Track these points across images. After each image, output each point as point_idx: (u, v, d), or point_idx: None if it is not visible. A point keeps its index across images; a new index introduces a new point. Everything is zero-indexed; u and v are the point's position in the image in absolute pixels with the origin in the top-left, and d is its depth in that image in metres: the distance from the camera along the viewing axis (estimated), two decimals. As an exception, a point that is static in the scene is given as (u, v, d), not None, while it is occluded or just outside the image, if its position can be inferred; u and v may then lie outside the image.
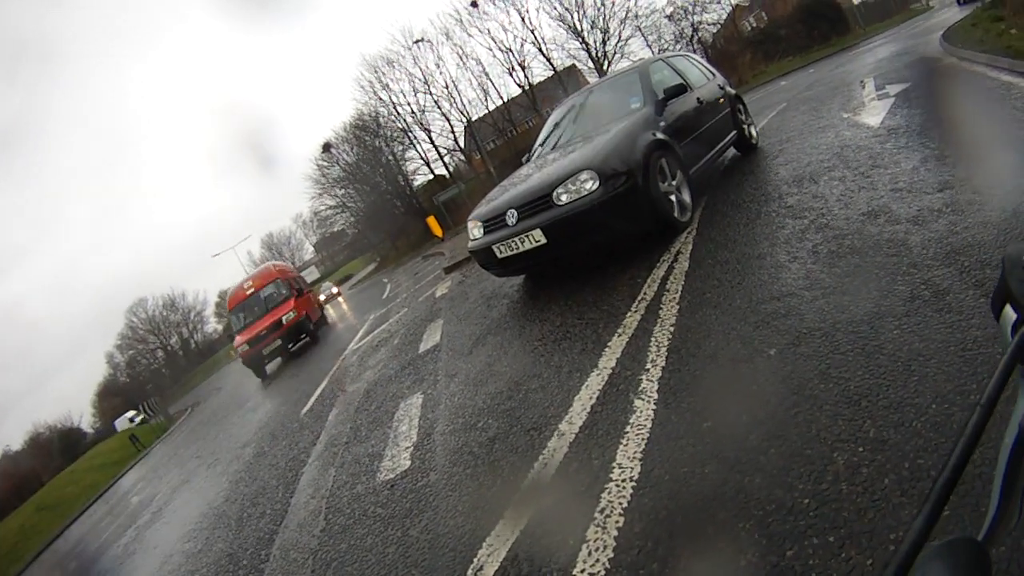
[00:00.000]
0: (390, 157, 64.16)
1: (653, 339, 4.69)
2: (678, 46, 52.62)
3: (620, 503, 3.01)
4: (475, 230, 8.22)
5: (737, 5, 57.32)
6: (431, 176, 64.81)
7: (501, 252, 7.57)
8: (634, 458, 3.32)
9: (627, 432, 3.61)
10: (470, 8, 54.76)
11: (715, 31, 56.65)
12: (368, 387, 8.61)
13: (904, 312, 3.38)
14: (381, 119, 61.88)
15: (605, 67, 53.01)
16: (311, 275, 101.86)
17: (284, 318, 22.02)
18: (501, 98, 58.91)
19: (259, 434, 10.82)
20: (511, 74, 56.70)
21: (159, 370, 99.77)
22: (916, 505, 2.18)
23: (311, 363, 16.69)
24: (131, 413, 65.42)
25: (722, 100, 10.22)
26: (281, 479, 7.00)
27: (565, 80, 55.31)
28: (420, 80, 59.02)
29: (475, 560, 3.23)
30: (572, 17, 53.70)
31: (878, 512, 2.22)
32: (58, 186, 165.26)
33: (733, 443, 2.98)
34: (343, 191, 69.67)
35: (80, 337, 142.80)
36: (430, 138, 61.24)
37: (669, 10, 54.07)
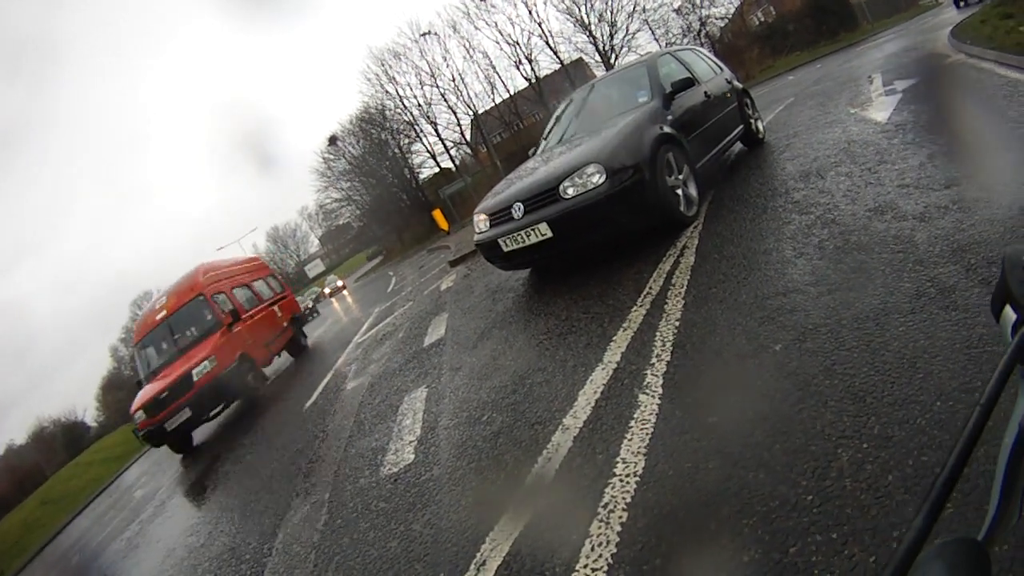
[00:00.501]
0: (396, 150, 64.32)
1: (658, 334, 4.69)
2: (685, 40, 52.71)
3: (624, 498, 3.01)
4: (481, 223, 8.21)
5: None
6: (437, 169, 65.01)
7: (507, 245, 7.57)
8: (638, 453, 3.31)
9: (631, 427, 3.61)
10: (477, 1, 54.88)
11: (723, 25, 56.70)
12: (372, 381, 8.61)
13: (910, 309, 3.37)
14: (387, 112, 62.13)
15: (612, 61, 53.01)
16: (316, 268, 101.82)
17: (195, 372, 13.58)
18: (508, 91, 59.09)
19: (263, 427, 10.86)
20: (518, 67, 56.84)
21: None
22: (919, 503, 2.18)
23: (314, 357, 16.70)
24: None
25: (729, 94, 10.20)
26: (284, 472, 7.00)
27: (572, 73, 55.37)
28: (427, 73, 59.25)
29: (478, 555, 3.22)
30: (579, 10, 53.84)
31: (881, 509, 2.21)
32: (64, 182, 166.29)
33: (737, 439, 2.98)
34: (349, 184, 69.91)
35: (84, 331, 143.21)
36: (436, 131, 61.45)
37: (677, 4, 54.15)
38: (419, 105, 60.45)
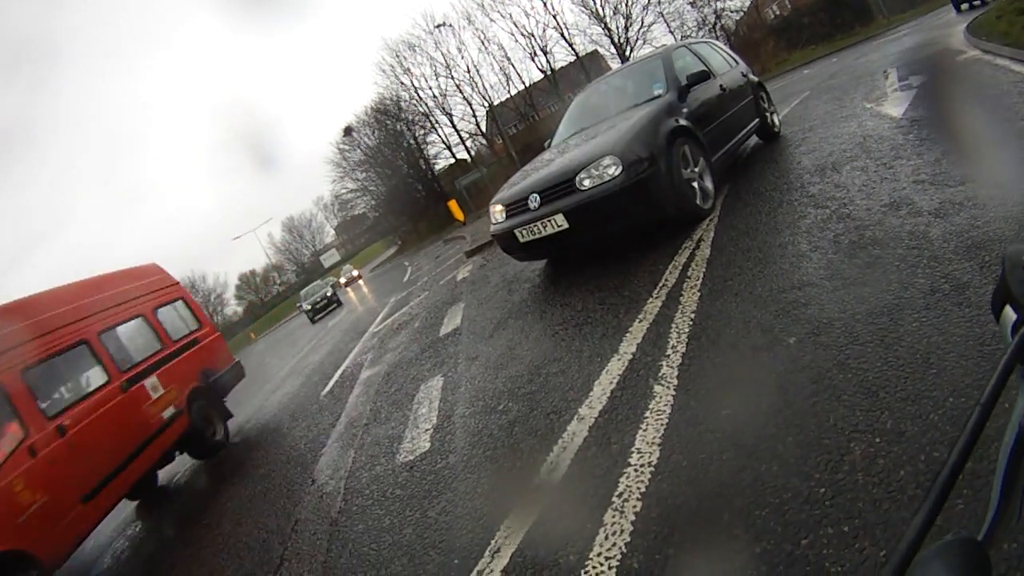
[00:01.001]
0: (411, 141, 64.21)
1: (674, 325, 4.71)
2: (701, 33, 52.41)
3: (638, 488, 3.04)
4: (497, 214, 8.23)
5: (761, -8, 56.99)
6: (453, 160, 64.85)
7: (523, 236, 7.58)
8: (653, 443, 3.34)
9: (646, 417, 3.64)
10: (491, -7, 54.78)
11: (738, 18, 56.40)
12: (388, 369, 8.65)
13: (924, 305, 3.38)
14: (402, 103, 62.06)
15: (627, 53, 52.81)
16: (332, 258, 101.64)
17: None
18: (523, 83, 58.91)
19: (279, 415, 10.90)
20: (533, 59, 56.71)
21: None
22: (918, 502, 2.21)
23: (332, 342, 16.74)
24: None
25: (745, 88, 10.17)
26: (300, 460, 7.07)
27: (587, 65, 55.17)
28: (442, 64, 59.19)
29: (493, 542, 3.26)
30: (595, 2, 53.64)
31: (893, 503, 2.23)
32: (72, 178, 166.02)
33: (751, 431, 3.00)
34: (364, 174, 69.83)
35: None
36: (452, 122, 61.31)
37: (692, -3, 53.81)
38: (434, 96, 60.38)
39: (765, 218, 6.32)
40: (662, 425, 3.49)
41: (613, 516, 2.92)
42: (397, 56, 60.39)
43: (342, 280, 58.56)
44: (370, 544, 4.10)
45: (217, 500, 7.73)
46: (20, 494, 6.27)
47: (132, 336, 10.08)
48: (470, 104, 60.24)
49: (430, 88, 60.72)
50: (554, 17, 58.89)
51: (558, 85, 55.36)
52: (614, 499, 3.03)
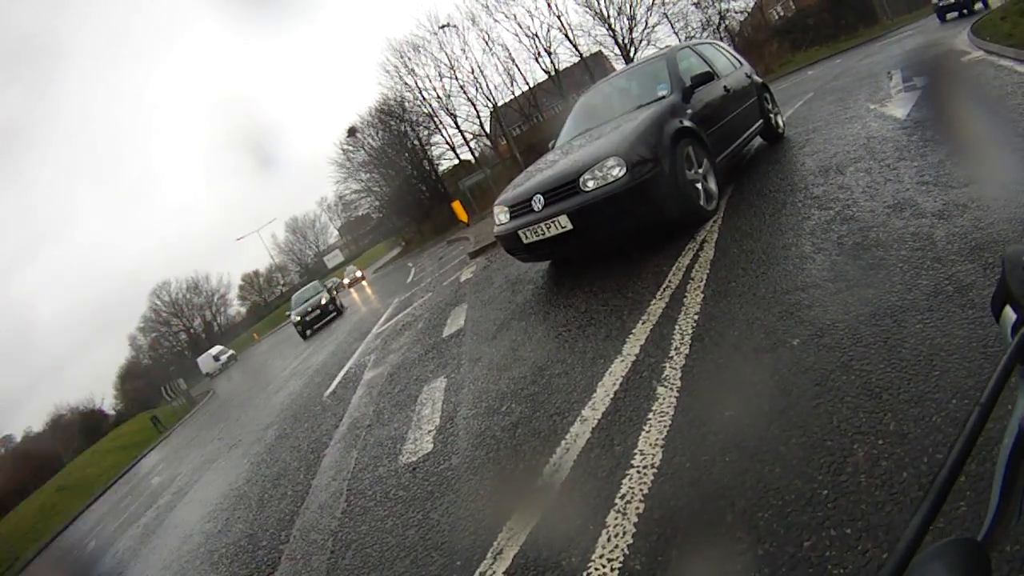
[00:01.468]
0: (415, 142, 64.27)
1: (677, 327, 4.71)
2: (705, 34, 52.39)
3: (641, 489, 3.04)
4: (501, 215, 8.24)
5: (765, -7, 57.00)
6: (456, 161, 64.94)
7: (527, 237, 7.59)
8: (656, 445, 3.34)
9: (649, 419, 3.64)
10: (495, -6, 54.84)
11: (742, 19, 56.39)
12: (391, 370, 8.65)
13: (927, 307, 3.38)
14: (406, 103, 62.07)
15: (632, 54, 52.83)
16: (335, 259, 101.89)
17: None
18: (527, 84, 58.94)
19: (281, 416, 10.91)
20: (537, 60, 56.71)
21: (182, 352, 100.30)
22: (916, 502, 2.21)
23: (335, 343, 16.76)
24: (216, 350, 64.71)
25: (749, 89, 10.17)
26: (303, 461, 7.07)
27: (592, 66, 55.17)
28: (446, 65, 59.31)
29: (495, 543, 3.26)
30: (599, 3, 53.58)
31: (896, 505, 2.23)
32: (80, 175, 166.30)
33: (754, 432, 3.00)
34: (368, 175, 69.89)
35: (102, 320, 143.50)
36: (456, 123, 61.37)
37: (696, -2, 53.81)
38: (438, 97, 60.42)
39: (769, 219, 6.32)
40: (665, 427, 3.49)
41: (616, 518, 2.92)
42: (401, 57, 60.51)
43: (345, 281, 58.62)
44: (373, 545, 4.10)
45: (220, 500, 7.76)
46: None
47: None
48: (474, 105, 60.33)
49: (434, 89, 60.80)
50: (558, 18, 58.92)
51: (562, 86, 55.36)
52: (616, 501, 3.03)
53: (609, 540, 2.80)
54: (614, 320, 5.56)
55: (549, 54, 56.31)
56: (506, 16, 60.09)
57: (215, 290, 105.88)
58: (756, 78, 10.94)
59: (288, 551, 4.90)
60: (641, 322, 5.14)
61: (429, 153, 65.74)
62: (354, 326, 18.97)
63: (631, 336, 4.96)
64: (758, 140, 10.83)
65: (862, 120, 9.17)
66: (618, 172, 6.77)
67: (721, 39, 47.79)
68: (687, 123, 7.56)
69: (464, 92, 59.73)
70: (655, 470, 3.14)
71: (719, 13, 54.09)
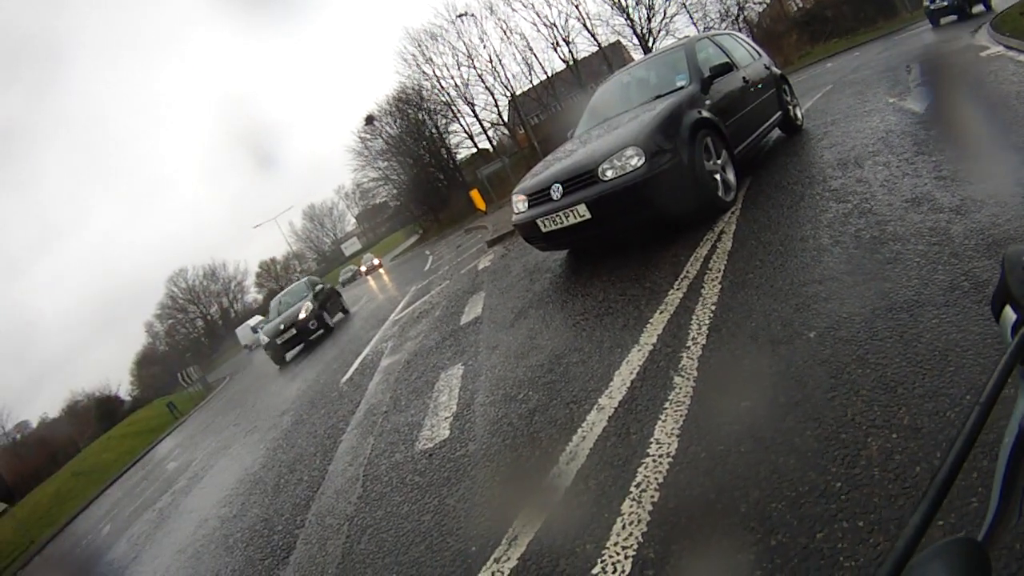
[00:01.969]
0: (433, 130, 64.29)
1: (694, 317, 4.72)
2: (723, 24, 52.18)
3: (656, 478, 3.06)
4: (520, 204, 8.26)
5: (784, -16, 56.67)
6: (474, 150, 64.89)
7: (545, 226, 7.61)
8: (672, 434, 3.36)
9: (666, 408, 3.66)
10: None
11: (761, 10, 56.06)
12: (409, 357, 8.68)
13: (944, 302, 3.38)
14: (424, 92, 62.11)
15: (650, 44, 52.63)
16: (352, 247, 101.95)
17: None
18: (545, 73, 58.80)
19: (298, 402, 10.98)
20: (555, 49, 56.59)
21: (198, 339, 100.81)
22: (916, 502, 2.23)
23: (352, 331, 16.79)
24: (256, 320, 60.97)
25: (767, 80, 10.13)
26: (319, 447, 7.11)
27: (610, 56, 55.01)
28: (464, 54, 59.41)
29: (510, 530, 3.28)
30: (617, -8, 53.33)
31: (908, 500, 2.25)
32: (95, 165, 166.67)
33: (770, 423, 3.02)
34: (386, 163, 69.91)
35: (119, 308, 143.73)
36: (474, 112, 61.41)
37: (715, -12, 53.56)
38: (456, 86, 60.47)
39: (787, 211, 6.31)
40: (681, 416, 3.51)
41: (631, 506, 2.94)
42: (419, 46, 60.66)
43: (363, 268, 58.52)
44: (388, 530, 4.13)
45: (235, 485, 7.81)
46: None
47: None
48: (492, 94, 60.29)
49: (452, 78, 61.02)
50: (576, 7, 58.38)
51: (580, 75, 55.25)
52: (632, 489, 3.05)
53: (624, 528, 2.82)
54: (631, 309, 5.58)
55: (567, 43, 56.25)
56: (524, 5, 59.82)
57: (232, 277, 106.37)
58: (775, 69, 10.88)
59: (303, 535, 4.94)
60: (659, 312, 5.16)
61: (447, 141, 65.84)
62: (371, 313, 18.97)
63: (648, 325, 4.97)
64: (777, 132, 10.80)
65: (880, 114, 9.13)
66: (637, 162, 6.77)
67: (740, 30, 47.61)
68: (706, 114, 7.55)
69: (482, 81, 59.77)
70: (670, 459, 3.16)
71: (738, 3, 53.85)
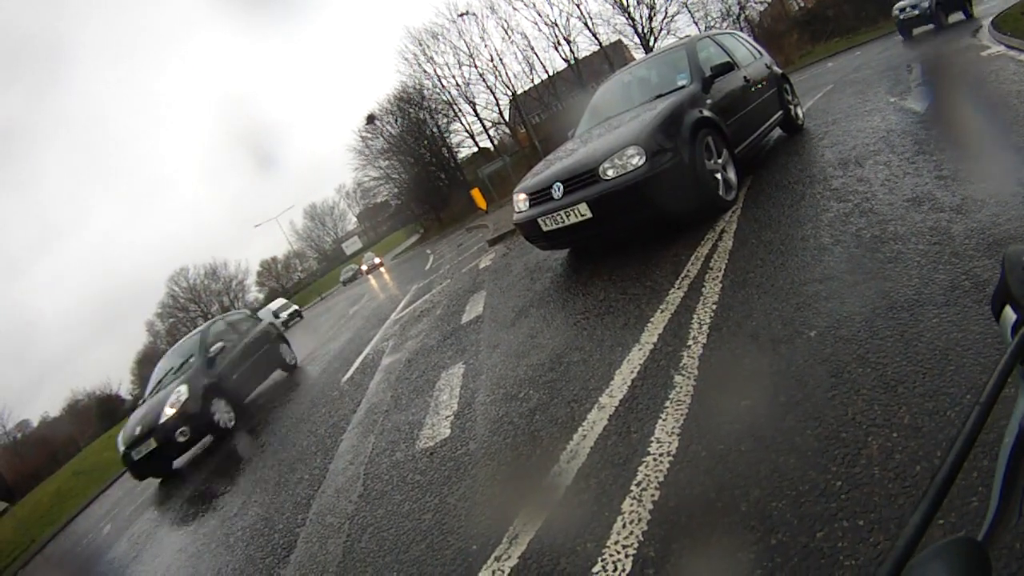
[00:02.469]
0: (434, 129, 64.27)
1: (695, 316, 4.73)
2: (725, 24, 52.15)
3: (656, 477, 3.06)
4: (521, 203, 8.27)
5: (785, -17, 56.62)
6: (475, 149, 64.91)
7: (547, 225, 7.62)
8: (672, 433, 3.37)
9: (667, 407, 3.66)
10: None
11: (762, 9, 56.01)
12: (410, 356, 8.68)
13: (944, 301, 3.39)
14: (425, 91, 62.07)
15: (651, 43, 52.62)
16: (353, 246, 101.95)
17: None
18: (546, 72, 58.78)
19: (299, 401, 10.98)
20: (556, 48, 56.59)
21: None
22: (915, 501, 2.22)
23: (353, 329, 16.79)
24: (277, 304, 56.88)
25: (768, 80, 10.14)
26: (320, 445, 7.11)
27: (611, 55, 55.01)
28: (465, 53, 59.39)
29: (511, 528, 3.29)
30: (618, -9, 53.32)
31: (908, 499, 2.25)
32: (94, 166, 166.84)
33: (770, 422, 3.02)
34: (387, 162, 69.86)
35: (120, 307, 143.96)
36: (475, 111, 61.37)
37: (716, -13, 53.53)
38: (457, 85, 60.44)
39: (788, 211, 6.32)
40: (682, 415, 3.51)
41: (631, 504, 2.95)
42: (420, 45, 60.57)
43: (364, 267, 58.53)
44: (389, 529, 4.14)
45: (235, 484, 7.81)
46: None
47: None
48: (493, 93, 60.26)
49: (453, 77, 60.97)
50: (577, 6, 58.31)
51: (581, 75, 55.24)
52: (632, 488, 3.06)
53: (624, 527, 2.83)
54: (632, 308, 5.59)
55: (568, 43, 56.23)
56: (525, 4, 59.80)
57: (233, 276, 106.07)
58: (776, 69, 10.89)
59: (304, 534, 4.94)
60: (659, 310, 5.16)
61: (448, 141, 65.82)
62: (373, 312, 18.93)
63: (649, 324, 4.98)
64: (778, 131, 10.80)
65: (881, 113, 9.14)
66: (638, 161, 6.78)
67: (741, 29, 47.54)
68: (707, 113, 7.56)
69: (483, 80, 59.75)
70: (671, 458, 3.16)
71: (739, 3, 53.80)
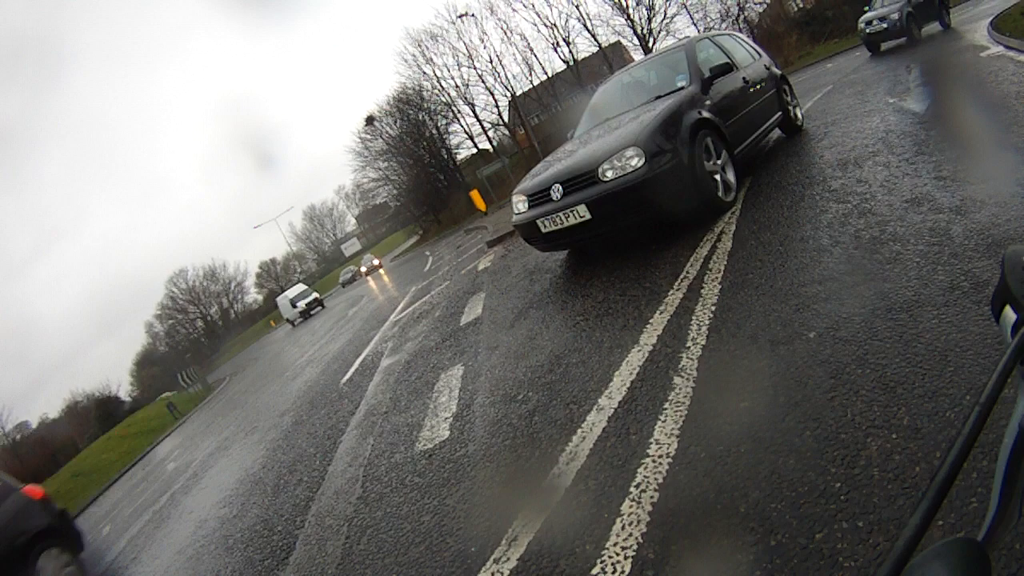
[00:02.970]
0: (433, 130, 64.20)
1: (694, 317, 4.73)
2: (724, 24, 52.13)
3: (656, 479, 3.06)
4: (520, 204, 8.26)
5: (784, -16, 56.58)
6: (475, 150, 64.82)
7: (545, 227, 7.62)
8: (671, 435, 3.37)
9: (666, 409, 3.66)
10: (515, -18, 54.70)
11: (761, 10, 55.94)
12: (409, 358, 8.68)
13: (943, 302, 3.39)
14: (425, 93, 61.99)
15: (650, 44, 52.59)
16: (353, 247, 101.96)
17: None
18: (546, 73, 58.74)
19: (298, 403, 10.96)
20: (556, 49, 56.47)
21: (198, 339, 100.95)
22: (915, 502, 2.22)
23: (352, 331, 16.79)
24: (294, 292, 53.25)
25: (768, 81, 10.12)
26: (319, 447, 7.12)
27: (610, 56, 54.96)
28: (464, 55, 59.25)
29: (510, 530, 3.29)
30: (617, -7, 53.29)
31: (908, 500, 2.25)
32: (94, 167, 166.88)
33: (769, 424, 3.02)
34: (386, 164, 69.75)
35: (118, 309, 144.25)
36: (474, 112, 61.27)
37: (715, -12, 53.51)
38: (456, 86, 60.33)
39: (787, 212, 6.32)
40: (681, 417, 3.51)
41: (630, 506, 2.94)
42: (419, 46, 60.50)
43: (363, 269, 58.47)
44: (388, 531, 4.13)
45: (235, 486, 7.81)
46: None
47: None
48: (492, 94, 60.18)
49: (452, 78, 60.88)
50: (577, 7, 58.24)
51: (581, 76, 55.19)
52: (631, 489, 3.06)
53: (623, 528, 2.82)
54: (631, 310, 5.58)
55: (568, 44, 56.14)
56: (524, 5, 59.90)
57: (232, 277, 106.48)
58: (775, 70, 10.88)
59: (303, 536, 4.94)
60: (659, 312, 5.16)
61: (447, 142, 65.72)
62: (372, 314, 18.90)
63: (648, 326, 4.98)
64: (777, 132, 10.80)
65: (881, 114, 9.13)
66: (637, 162, 6.78)
67: (740, 30, 47.57)
68: (706, 114, 7.56)
69: (482, 81, 59.65)
70: (670, 460, 3.16)
71: (738, 4, 53.77)
